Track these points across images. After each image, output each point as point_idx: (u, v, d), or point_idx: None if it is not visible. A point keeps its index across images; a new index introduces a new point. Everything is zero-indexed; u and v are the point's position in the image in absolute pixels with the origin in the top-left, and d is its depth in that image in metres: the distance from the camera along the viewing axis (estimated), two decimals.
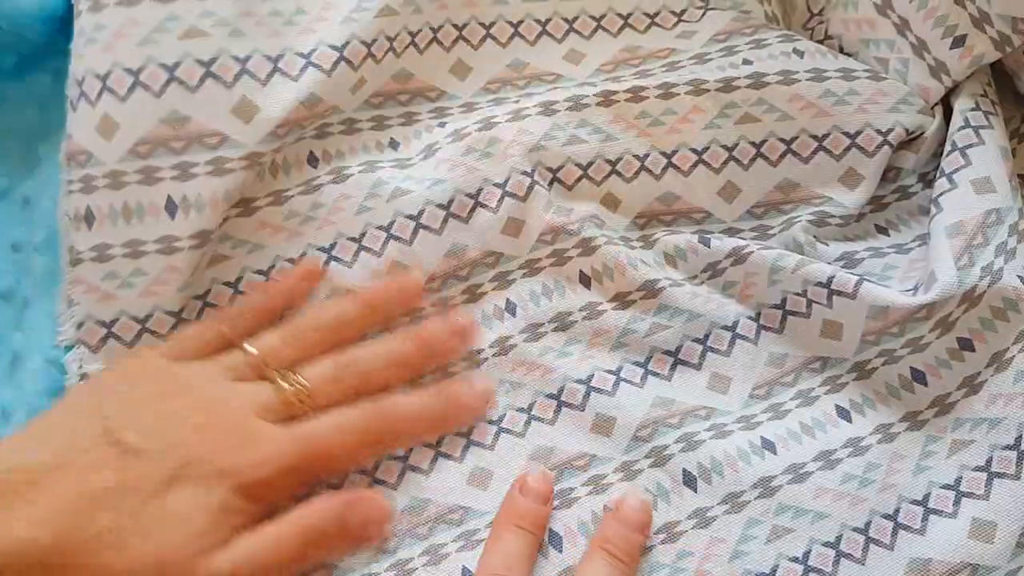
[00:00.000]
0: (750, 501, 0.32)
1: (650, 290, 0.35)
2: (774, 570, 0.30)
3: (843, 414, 0.34)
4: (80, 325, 0.33)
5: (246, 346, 0.32)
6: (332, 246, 0.35)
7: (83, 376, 0.33)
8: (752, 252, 0.35)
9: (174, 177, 0.33)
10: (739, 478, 0.32)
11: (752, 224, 0.38)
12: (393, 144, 0.38)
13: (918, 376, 0.33)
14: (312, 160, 0.36)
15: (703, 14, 0.42)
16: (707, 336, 0.35)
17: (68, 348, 0.33)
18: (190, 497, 0.27)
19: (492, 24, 0.40)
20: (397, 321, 0.35)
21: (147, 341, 0.33)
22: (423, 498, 0.32)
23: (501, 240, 0.36)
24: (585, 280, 0.36)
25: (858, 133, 0.38)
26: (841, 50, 0.41)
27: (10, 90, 0.39)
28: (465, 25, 0.39)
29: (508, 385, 0.34)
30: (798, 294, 0.35)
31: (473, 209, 0.35)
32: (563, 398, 0.34)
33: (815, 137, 0.38)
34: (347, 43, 0.36)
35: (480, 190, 0.36)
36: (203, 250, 0.34)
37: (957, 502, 0.31)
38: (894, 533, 0.31)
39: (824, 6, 0.43)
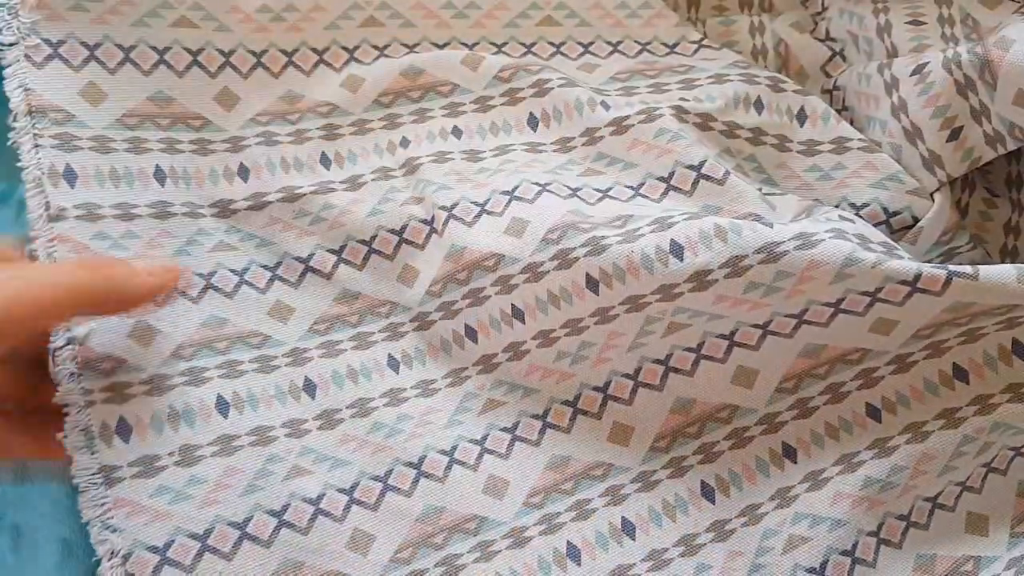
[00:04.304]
0: (768, 512, 0.32)
1: (667, 294, 0.33)
2: None
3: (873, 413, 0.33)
4: None
5: None
6: (342, 248, 0.36)
7: None
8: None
9: (161, 149, 0.35)
10: (757, 489, 0.32)
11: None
12: (404, 143, 0.38)
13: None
14: (325, 161, 0.37)
15: (696, 49, 0.42)
16: (733, 332, 0.33)
17: None
18: None
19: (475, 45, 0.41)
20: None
21: None
22: (438, 506, 0.32)
23: (504, 242, 0.34)
24: (593, 284, 0.33)
25: (834, 209, 0.36)
26: (852, 123, 0.40)
27: (4, 92, 0.39)
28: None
29: (522, 391, 0.34)
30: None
31: (478, 216, 0.35)
32: (579, 405, 0.34)
33: None
34: (327, 48, 0.37)
35: (487, 200, 0.35)
36: (196, 221, 0.34)
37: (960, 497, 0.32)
38: (904, 532, 0.31)
39: (837, 77, 0.41)
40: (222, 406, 0.31)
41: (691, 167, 0.35)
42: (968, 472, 0.32)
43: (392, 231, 0.35)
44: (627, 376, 0.33)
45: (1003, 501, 0.32)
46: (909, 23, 0.39)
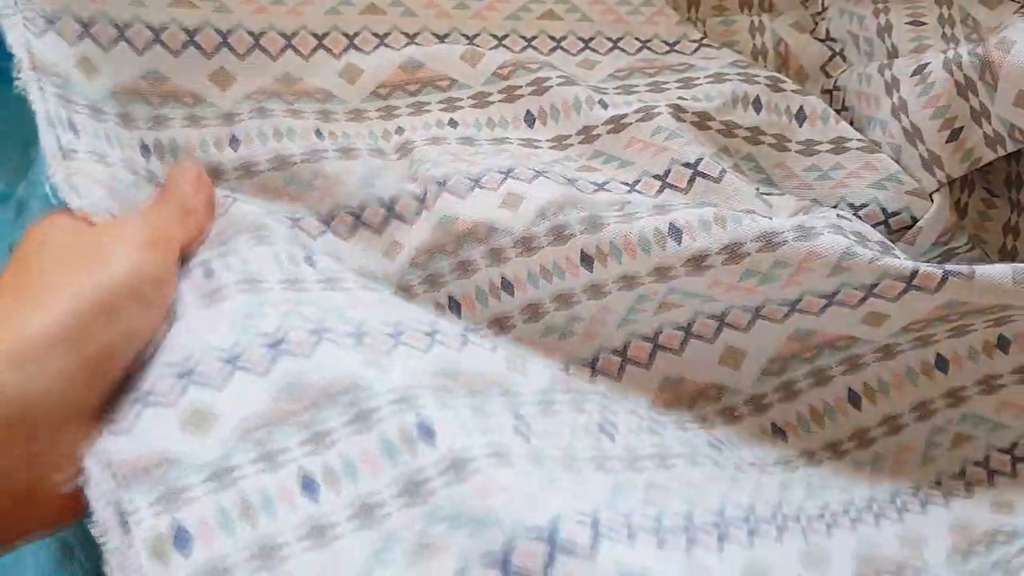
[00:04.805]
0: (775, 473, 0.32)
1: (662, 275, 0.32)
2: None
3: None
4: None
5: None
6: (331, 216, 0.35)
7: None
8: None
9: (150, 128, 0.34)
10: (757, 455, 0.33)
11: None
12: (399, 131, 0.38)
13: None
14: (319, 134, 0.37)
15: (696, 48, 0.42)
16: (724, 313, 0.33)
17: None
18: None
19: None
20: None
21: None
22: None
23: (498, 214, 0.34)
24: (587, 261, 0.33)
25: (831, 209, 0.36)
26: (852, 123, 0.40)
27: (5, 94, 0.40)
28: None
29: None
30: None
31: (472, 189, 0.34)
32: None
33: None
34: (327, 33, 0.37)
35: (482, 176, 0.35)
36: None
37: None
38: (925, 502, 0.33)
39: (837, 78, 0.41)
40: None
41: (687, 164, 0.35)
42: (956, 467, 0.33)
43: (382, 204, 0.35)
44: (615, 352, 0.33)
45: None
46: (909, 23, 0.39)
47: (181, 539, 0.22)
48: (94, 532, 0.23)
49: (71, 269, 0.25)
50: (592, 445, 0.28)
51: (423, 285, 0.34)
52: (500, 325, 0.33)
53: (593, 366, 0.33)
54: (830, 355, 0.33)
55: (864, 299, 0.31)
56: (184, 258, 0.30)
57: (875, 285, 0.31)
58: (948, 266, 0.30)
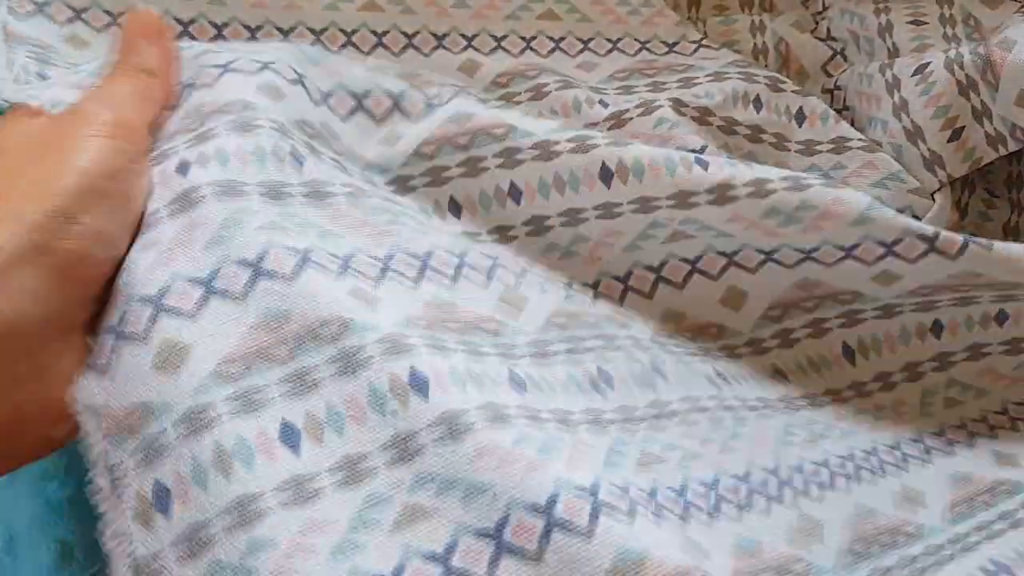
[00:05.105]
0: (780, 410, 0.32)
1: (682, 201, 0.32)
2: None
3: None
4: None
5: None
6: (327, 95, 0.32)
7: None
8: None
9: None
10: (763, 389, 0.33)
11: None
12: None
13: None
14: None
15: (695, 48, 0.41)
16: (735, 252, 0.32)
17: None
18: None
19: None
20: None
21: None
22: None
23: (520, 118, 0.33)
24: (606, 174, 0.32)
25: None
26: (852, 123, 0.40)
27: None
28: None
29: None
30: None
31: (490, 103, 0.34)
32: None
33: None
34: (325, 29, 0.37)
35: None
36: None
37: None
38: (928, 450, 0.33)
39: (838, 77, 0.41)
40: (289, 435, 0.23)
41: (692, 151, 0.35)
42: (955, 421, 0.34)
43: (388, 94, 0.32)
44: (616, 279, 0.32)
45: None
46: (910, 23, 0.39)
47: (161, 498, 0.21)
48: (91, 495, 0.22)
49: (20, 174, 0.23)
50: (585, 401, 0.27)
51: (424, 178, 0.31)
52: (501, 234, 0.32)
53: (595, 288, 0.32)
54: (831, 307, 0.33)
55: (882, 257, 0.31)
56: (156, 134, 0.27)
57: (896, 242, 0.30)
58: (968, 236, 0.30)
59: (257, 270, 0.23)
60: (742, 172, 0.30)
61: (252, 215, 0.24)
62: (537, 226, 0.31)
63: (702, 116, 0.37)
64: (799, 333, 0.34)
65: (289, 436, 0.22)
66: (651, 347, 0.31)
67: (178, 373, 0.22)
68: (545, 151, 0.31)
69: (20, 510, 0.33)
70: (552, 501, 0.21)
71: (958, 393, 0.34)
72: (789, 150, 0.38)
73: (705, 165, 0.30)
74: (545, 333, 0.28)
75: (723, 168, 0.30)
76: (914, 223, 0.30)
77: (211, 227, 0.24)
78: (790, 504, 0.28)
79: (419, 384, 0.22)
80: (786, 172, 0.31)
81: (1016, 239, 0.39)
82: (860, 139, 0.38)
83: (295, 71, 0.30)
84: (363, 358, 0.23)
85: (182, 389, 0.22)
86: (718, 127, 0.37)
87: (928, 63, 0.36)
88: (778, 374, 0.33)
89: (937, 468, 0.31)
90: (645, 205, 0.31)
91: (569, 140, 0.31)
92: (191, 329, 0.22)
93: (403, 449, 0.22)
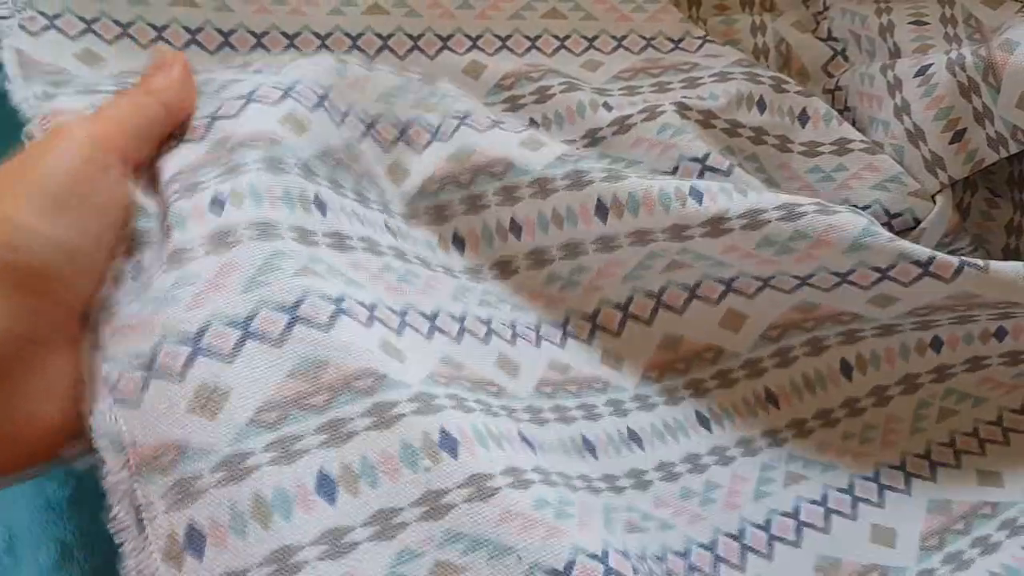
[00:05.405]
0: (762, 448, 0.33)
1: (677, 234, 0.32)
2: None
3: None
4: None
5: None
6: (344, 114, 0.34)
7: None
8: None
9: None
10: (748, 425, 0.33)
11: None
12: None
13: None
14: None
15: (700, 45, 0.42)
16: (732, 279, 0.33)
17: None
18: None
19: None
20: None
21: None
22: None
23: (518, 152, 0.34)
24: (602, 211, 0.33)
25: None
26: (854, 123, 0.40)
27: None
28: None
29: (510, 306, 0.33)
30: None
31: (492, 128, 0.35)
32: (568, 328, 0.33)
33: None
34: (330, 34, 0.37)
35: (503, 121, 0.35)
36: None
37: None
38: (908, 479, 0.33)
39: (839, 77, 0.41)
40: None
41: (695, 159, 0.35)
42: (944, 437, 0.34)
43: (394, 124, 0.34)
44: (617, 307, 0.33)
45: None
46: (911, 23, 0.39)
47: (194, 540, 0.21)
48: (111, 528, 0.22)
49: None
50: (578, 465, 0.28)
51: (428, 215, 0.33)
52: (502, 269, 0.33)
53: (593, 320, 0.33)
54: (830, 327, 0.34)
55: (878, 281, 0.31)
56: (180, 164, 0.27)
57: (891, 267, 0.31)
58: (964, 257, 0.31)
59: (294, 316, 0.24)
60: (736, 203, 0.31)
61: (287, 259, 0.25)
62: (537, 259, 0.33)
63: (706, 119, 0.37)
64: (797, 352, 0.34)
65: (326, 487, 0.22)
66: (631, 409, 0.31)
67: (216, 417, 0.22)
68: (542, 188, 0.32)
69: (20, 510, 0.33)
70: (569, 567, 0.22)
71: (954, 402, 0.35)
72: (792, 151, 0.38)
73: (699, 197, 0.31)
74: (536, 400, 0.29)
75: (717, 199, 0.31)
76: (908, 247, 0.30)
77: (249, 269, 0.24)
78: (762, 552, 0.30)
79: (449, 444, 0.23)
80: (782, 199, 0.31)
81: (1018, 238, 0.39)
82: (862, 141, 0.38)
83: (316, 93, 0.30)
84: (396, 414, 0.23)
85: (221, 434, 0.22)
86: (722, 130, 0.37)
87: (930, 65, 0.36)
88: (770, 399, 0.34)
89: (915, 497, 0.32)
90: (642, 238, 0.32)
91: (564, 177, 0.32)
92: (228, 373, 0.23)
93: (433, 506, 0.22)
